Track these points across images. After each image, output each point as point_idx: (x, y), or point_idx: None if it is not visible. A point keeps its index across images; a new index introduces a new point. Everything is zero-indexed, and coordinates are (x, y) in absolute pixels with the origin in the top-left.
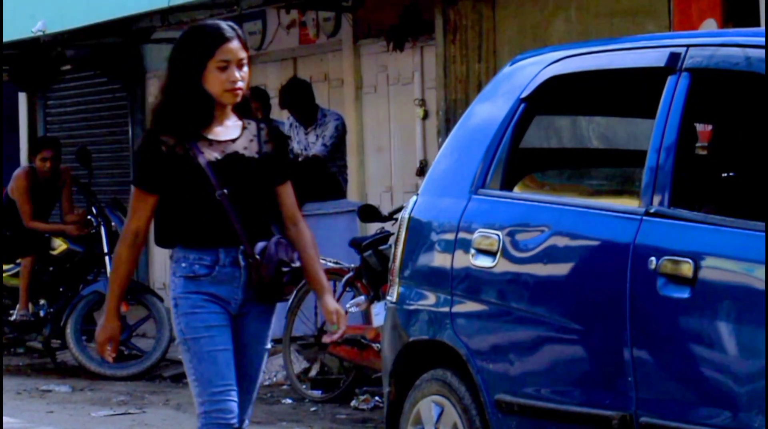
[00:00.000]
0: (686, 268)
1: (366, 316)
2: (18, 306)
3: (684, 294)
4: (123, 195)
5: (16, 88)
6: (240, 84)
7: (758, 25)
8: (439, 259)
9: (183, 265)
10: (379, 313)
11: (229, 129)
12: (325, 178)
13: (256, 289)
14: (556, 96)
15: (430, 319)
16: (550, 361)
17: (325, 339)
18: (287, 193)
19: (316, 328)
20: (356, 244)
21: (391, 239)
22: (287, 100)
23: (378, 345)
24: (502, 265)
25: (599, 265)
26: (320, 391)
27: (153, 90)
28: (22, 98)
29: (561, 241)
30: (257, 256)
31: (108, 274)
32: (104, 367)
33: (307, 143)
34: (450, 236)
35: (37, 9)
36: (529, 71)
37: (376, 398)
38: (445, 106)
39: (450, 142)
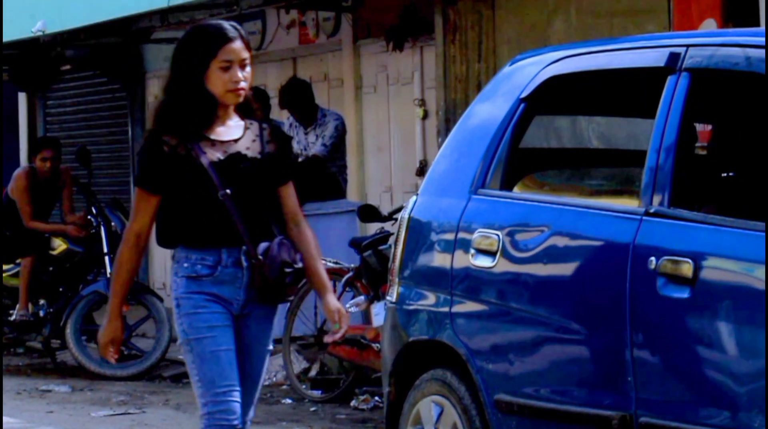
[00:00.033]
0: (686, 268)
1: (366, 316)
2: (18, 306)
3: (684, 294)
4: (123, 195)
5: (16, 88)
6: (243, 84)
7: (758, 25)
8: (438, 259)
9: (185, 265)
10: (378, 313)
11: (232, 129)
12: (324, 178)
13: (259, 290)
14: (555, 96)
15: (430, 319)
16: (549, 361)
17: (327, 338)
18: (289, 193)
19: (316, 328)
20: (356, 244)
21: (391, 239)
22: (287, 100)
23: (378, 345)
24: (501, 265)
25: (599, 265)
26: (320, 391)
27: (153, 90)
28: (22, 98)
29: (561, 241)
30: (260, 257)
31: (108, 274)
32: (104, 367)
33: (306, 143)
34: (450, 236)
35: (37, 9)
36: (528, 71)
37: (376, 398)
38: (445, 106)
39: (450, 142)
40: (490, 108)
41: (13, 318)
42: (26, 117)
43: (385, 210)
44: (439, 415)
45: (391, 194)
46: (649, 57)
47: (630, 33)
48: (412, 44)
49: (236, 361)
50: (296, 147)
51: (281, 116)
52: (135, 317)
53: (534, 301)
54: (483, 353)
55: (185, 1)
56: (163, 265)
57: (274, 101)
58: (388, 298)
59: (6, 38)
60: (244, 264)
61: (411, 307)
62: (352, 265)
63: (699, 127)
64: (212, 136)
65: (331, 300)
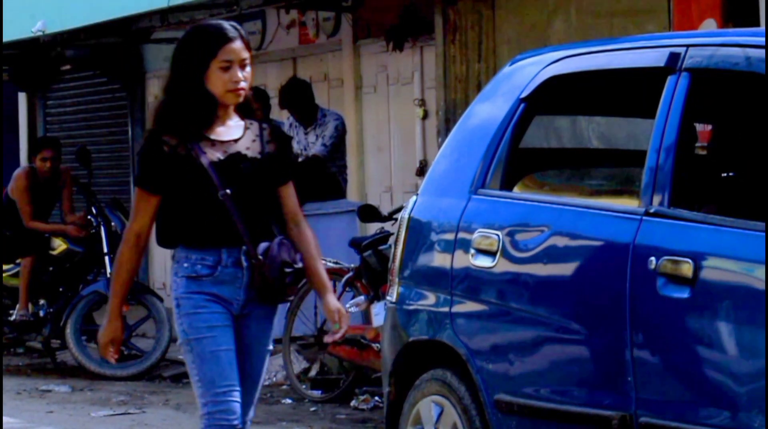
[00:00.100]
0: (686, 268)
1: (366, 316)
2: (18, 306)
3: (684, 294)
4: (123, 195)
5: (16, 88)
6: (243, 84)
7: (758, 25)
8: (438, 259)
9: (185, 265)
10: (378, 313)
11: (232, 129)
12: (324, 178)
13: (259, 290)
14: (555, 96)
15: (430, 319)
16: (549, 361)
17: (327, 338)
18: (289, 193)
19: (316, 328)
20: (356, 244)
21: (391, 239)
22: (287, 100)
23: (378, 345)
24: (501, 265)
25: (599, 265)
26: (320, 391)
27: (153, 90)
28: (22, 98)
29: (561, 241)
30: (260, 257)
31: (108, 274)
32: (104, 367)
33: (306, 143)
34: (450, 236)
35: (37, 9)
36: (528, 71)
37: (376, 398)
38: (445, 106)
39: (450, 142)
40: (490, 108)
41: (13, 318)
42: (26, 117)
43: (385, 210)
44: (439, 415)
45: (391, 194)
46: (649, 57)
47: (630, 33)
48: (412, 44)
49: (236, 361)
50: (296, 147)
51: (281, 116)
52: (135, 317)
53: (534, 301)
54: (483, 353)
55: (185, 1)
56: (163, 265)
57: (274, 101)
58: (388, 298)
59: (6, 38)
60: (244, 264)
61: (411, 307)
62: (352, 265)
63: (699, 127)
64: (212, 136)
65: (331, 300)
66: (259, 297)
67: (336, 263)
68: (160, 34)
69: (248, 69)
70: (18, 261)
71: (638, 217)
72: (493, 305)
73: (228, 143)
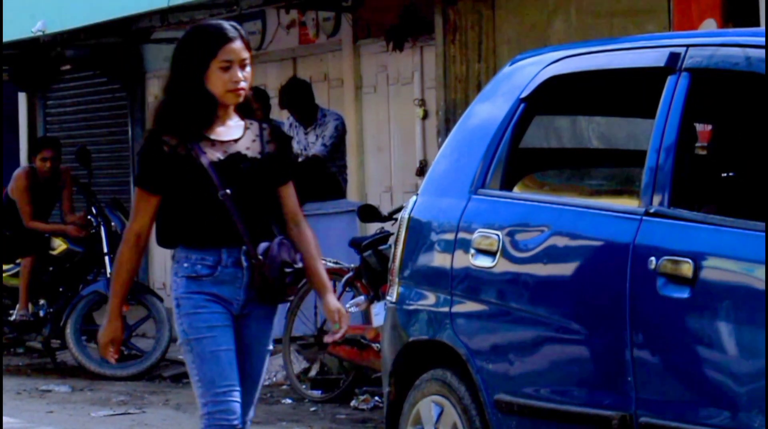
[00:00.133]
0: (686, 268)
1: (366, 316)
2: (18, 306)
3: (684, 294)
4: (123, 195)
5: (16, 88)
6: (243, 84)
7: (758, 25)
8: (438, 259)
9: (185, 265)
10: (378, 313)
11: (232, 129)
12: (324, 178)
13: (259, 290)
14: (555, 96)
15: (430, 319)
16: (549, 361)
17: (327, 338)
18: (289, 193)
19: (316, 328)
20: (356, 244)
21: (391, 239)
22: (287, 100)
23: (378, 345)
24: (501, 265)
25: (599, 265)
26: (320, 391)
27: (153, 90)
28: (22, 98)
29: (561, 241)
30: (260, 257)
31: (108, 274)
32: (104, 367)
33: (306, 143)
34: (450, 236)
35: (37, 9)
36: (528, 71)
37: (376, 398)
38: (445, 106)
39: (450, 142)
40: (490, 108)
41: (13, 318)
42: (26, 117)
43: (385, 210)
44: (439, 415)
45: (391, 194)
46: (649, 57)
47: (630, 33)
48: (412, 44)
49: (236, 361)
50: (296, 147)
51: (281, 116)
52: (135, 317)
53: (534, 301)
54: (483, 353)
55: (185, 1)
56: (163, 265)
57: (274, 101)
58: (388, 298)
59: (6, 38)
60: (244, 264)
61: (411, 307)
62: (352, 265)
63: (699, 127)
64: (212, 136)
65: (331, 300)
66: (259, 297)
67: (336, 263)
68: (160, 34)
69: (248, 69)
70: (18, 261)
71: (638, 217)
72: (493, 305)
73: (228, 143)
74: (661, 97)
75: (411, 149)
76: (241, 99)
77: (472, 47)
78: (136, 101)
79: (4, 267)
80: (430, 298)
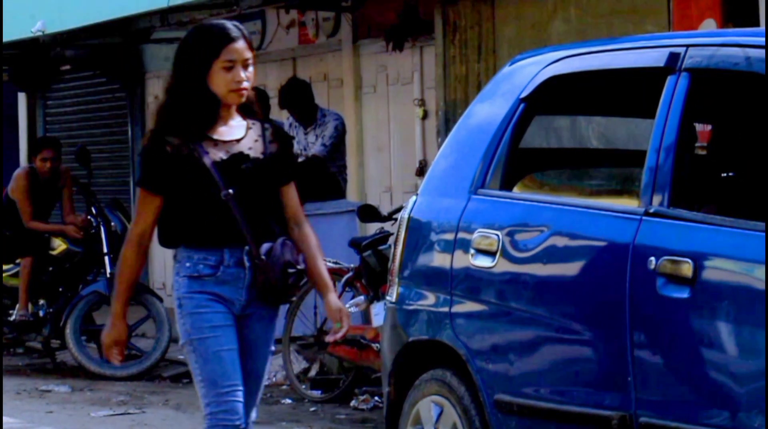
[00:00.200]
0: (686, 268)
1: (365, 316)
2: (17, 306)
3: (684, 294)
4: (123, 195)
5: (16, 88)
6: (245, 84)
7: (758, 25)
8: (438, 259)
9: (187, 264)
10: (378, 313)
11: (234, 129)
12: (324, 178)
13: (262, 291)
14: (555, 96)
15: (430, 319)
16: (549, 361)
17: (328, 338)
18: (291, 193)
19: (316, 328)
20: (356, 244)
21: (391, 239)
22: (287, 100)
23: (377, 345)
24: (501, 265)
25: (599, 265)
26: (320, 391)
27: (152, 90)
28: (22, 98)
29: (560, 241)
30: (263, 257)
31: (108, 275)
32: (104, 367)
33: (306, 143)
34: (449, 236)
35: (37, 9)
36: (528, 71)
37: (376, 398)
38: (445, 106)
39: (449, 142)
40: (490, 108)
41: (13, 318)
42: (26, 117)
43: (384, 210)
44: (439, 415)
45: (390, 194)
46: (649, 57)
47: (630, 33)
48: (412, 44)
49: (239, 361)
50: (296, 147)
51: (281, 116)
52: (135, 317)
53: (534, 301)
54: (483, 353)
55: (185, 1)
56: (163, 264)
57: (274, 101)
58: (388, 298)
59: (6, 38)
60: (247, 264)
61: (411, 307)
62: (352, 265)
63: (699, 127)
64: (215, 136)
65: (333, 299)
66: (262, 297)
67: (336, 263)
68: (160, 34)
69: (251, 69)
70: (18, 261)
71: (638, 217)
72: (492, 305)
73: (230, 143)
74: (661, 97)
75: (411, 149)
76: (243, 99)
77: (472, 47)
78: (135, 101)
79: (4, 267)
80: (430, 298)
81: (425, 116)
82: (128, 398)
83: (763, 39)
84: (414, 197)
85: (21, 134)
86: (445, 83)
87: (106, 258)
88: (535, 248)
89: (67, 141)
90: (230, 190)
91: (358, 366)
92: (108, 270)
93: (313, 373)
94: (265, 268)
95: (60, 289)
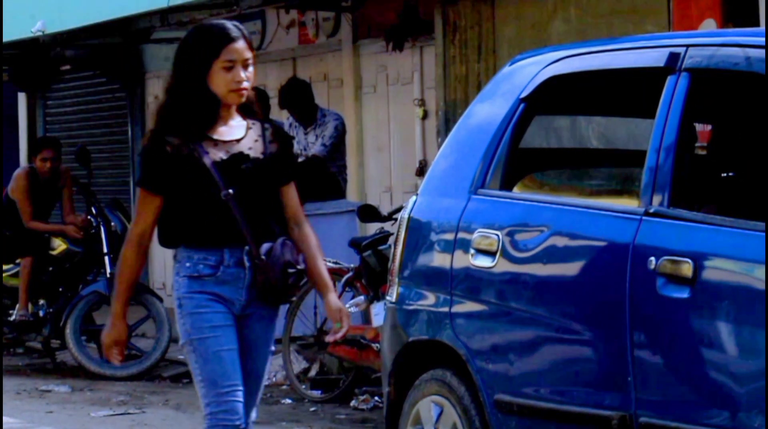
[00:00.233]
0: (686, 268)
1: (365, 316)
2: (17, 306)
3: (683, 294)
4: (123, 195)
5: (16, 88)
6: (245, 84)
7: (758, 25)
8: (438, 259)
9: (187, 264)
10: (378, 313)
11: (234, 129)
12: (324, 178)
13: (262, 291)
14: (555, 96)
15: (430, 319)
16: (549, 361)
17: (328, 338)
18: (291, 193)
19: (316, 328)
20: (356, 244)
21: (391, 239)
22: (287, 100)
23: (377, 345)
24: (501, 265)
25: (599, 265)
26: (320, 391)
27: (152, 90)
28: (22, 98)
29: (560, 241)
30: (263, 257)
31: (108, 274)
32: (104, 367)
33: (306, 143)
34: (449, 236)
35: (37, 9)
36: (528, 71)
37: (376, 398)
38: (445, 106)
39: (449, 142)
40: (489, 108)
41: (12, 318)
42: (26, 117)
43: (384, 210)
44: (439, 415)
45: (390, 194)
46: (649, 57)
47: (630, 33)
48: (412, 44)
49: (239, 361)
50: (296, 147)
51: (281, 116)
52: (135, 317)
53: (534, 301)
54: (483, 353)
55: (185, 1)
56: (162, 264)
57: (274, 101)
58: (388, 298)
59: (6, 38)
60: (247, 264)
61: (411, 307)
62: (352, 265)
63: (699, 127)
64: (215, 136)
65: (334, 299)
66: (262, 297)
67: (336, 263)
68: (159, 34)
69: (251, 69)
70: (18, 261)
71: (638, 217)
72: (492, 305)
73: (230, 143)
74: (661, 97)
75: (411, 149)
76: (243, 99)
77: (472, 47)
78: (135, 101)
79: (4, 267)
80: (430, 298)
81: (425, 116)
82: (128, 398)
83: (763, 39)
84: (414, 197)
85: (21, 134)
86: (445, 83)
87: (106, 258)
88: (535, 248)
89: (67, 141)
90: (230, 190)
91: (358, 366)
92: (108, 270)
93: (313, 373)
94: (265, 268)
95: (60, 289)
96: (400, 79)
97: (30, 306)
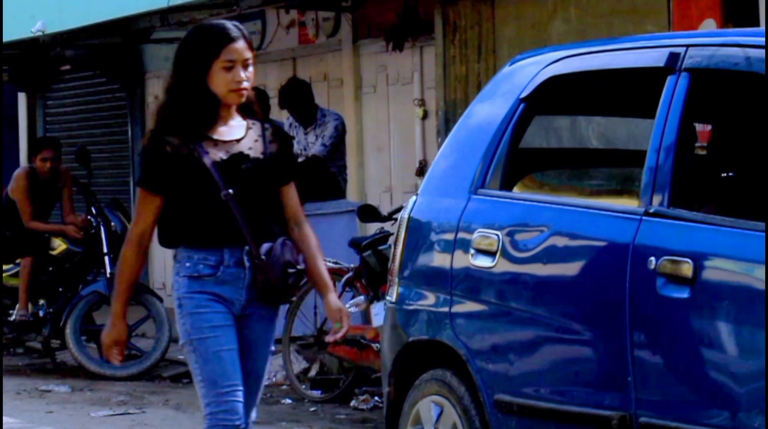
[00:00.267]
0: (686, 268)
1: (365, 316)
2: (17, 306)
3: (683, 294)
4: (123, 195)
5: (16, 88)
6: (245, 84)
7: (758, 25)
8: (438, 259)
9: (187, 264)
10: (378, 313)
11: (234, 129)
12: (324, 178)
13: (262, 291)
14: (555, 96)
15: (430, 319)
16: (549, 361)
17: (328, 337)
18: (291, 193)
19: (316, 328)
20: (356, 244)
21: (391, 239)
22: (287, 100)
23: (377, 345)
24: (501, 265)
25: (599, 265)
26: (320, 391)
27: (152, 90)
28: (22, 98)
29: (560, 241)
30: (263, 257)
31: (108, 274)
32: (104, 367)
33: (306, 143)
34: (449, 236)
35: (37, 9)
36: (528, 71)
37: (376, 398)
38: (445, 106)
39: (449, 142)
40: (489, 108)
41: (12, 318)
42: (26, 117)
43: (384, 210)
44: (439, 415)
45: (390, 194)
46: (649, 57)
47: (630, 33)
48: (412, 44)
49: (239, 361)
50: (296, 147)
51: (281, 116)
52: (135, 317)
53: (534, 301)
54: (483, 353)
55: (185, 1)
56: (162, 264)
57: (274, 101)
58: (387, 298)
59: (6, 38)
60: (247, 264)
61: (411, 307)
62: (352, 265)
63: (699, 127)
64: (215, 136)
65: (334, 299)
66: (262, 297)
67: (336, 263)
68: (159, 34)
69: (251, 69)
70: (18, 261)
71: (638, 217)
72: (492, 305)
73: (230, 143)
74: (661, 97)
75: (411, 149)
76: (243, 99)
77: (471, 47)
78: (135, 101)
79: (4, 267)
80: (430, 298)
81: (425, 116)
82: (128, 398)
83: (763, 39)
84: (414, 197)
85: (21, 134)
86: (445, 83)
87: (106, 258)
88: (535, 248)
89: (67, 141)
90: (230, 190)
91: (358, 366)
92: (108, 270)
93: (313, 373)
94: (265, 268)
95: (60, 289)
96: (400, 79)
97: (30, 306)
